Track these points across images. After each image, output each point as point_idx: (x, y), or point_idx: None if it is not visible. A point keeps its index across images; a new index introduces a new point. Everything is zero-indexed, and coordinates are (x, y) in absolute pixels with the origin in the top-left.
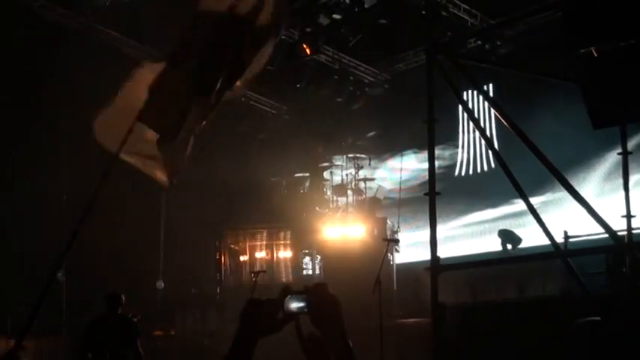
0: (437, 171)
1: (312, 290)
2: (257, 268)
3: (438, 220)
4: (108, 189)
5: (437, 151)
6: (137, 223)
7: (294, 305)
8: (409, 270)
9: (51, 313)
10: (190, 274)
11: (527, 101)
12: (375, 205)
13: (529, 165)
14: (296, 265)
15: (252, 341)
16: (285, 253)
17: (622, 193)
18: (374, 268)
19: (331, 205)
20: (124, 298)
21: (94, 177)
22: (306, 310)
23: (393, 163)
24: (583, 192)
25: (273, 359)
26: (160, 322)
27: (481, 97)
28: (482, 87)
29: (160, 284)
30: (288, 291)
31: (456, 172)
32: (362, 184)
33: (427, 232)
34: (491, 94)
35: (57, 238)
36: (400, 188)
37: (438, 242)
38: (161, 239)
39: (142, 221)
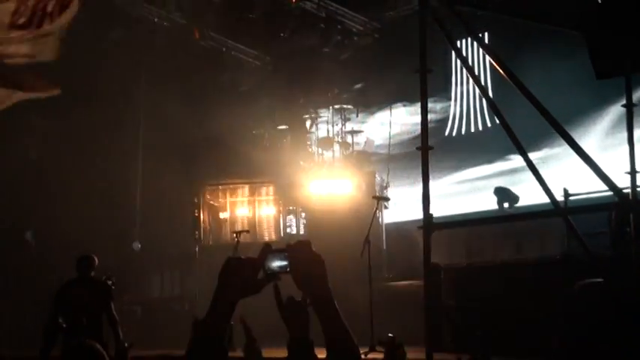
0: (429, 125)
1: (295, 248)
2: (238, 225)
3: (431, 176)
4: (81, 148)
5: (429, 105)
6: (112, 181)
7: (276, 264)
8: (399, 229)
9: (19, 277)
10: (168, 233)
11: (524, 51)
12: (363, 159)
13: (524, 120)
14: (279, 222)
15: (231, 303)
16: (267, 210)
17: (623, 148)
18: (362, 226)
19: (316, 159)
20: (96, 260)
21: None
22: (287, 269)
23: (382, 116)
24: (583, 147)
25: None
26: (136, 285)
27: (475, 49)
28: (478, 35)
29: (137, 245)
30: (268, 249)
31: (449, 127)
32: (349, 137)
33: (417, 189)
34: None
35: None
36: (390, 143)
37: (432, 200)
38: (137, 198)
39: (118, 180)
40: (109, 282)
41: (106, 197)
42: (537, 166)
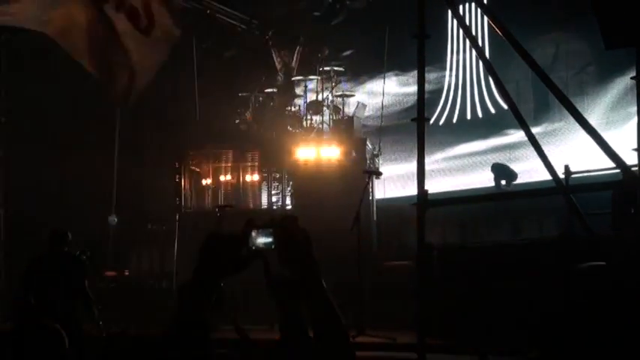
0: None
1: (280, 223)
2: (221, 192)
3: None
4: (56, 114)
5: None
6: (88, 150)
7: (260, 241)
8: (391, 206)
9: None
10: (148, 203)
11: (528, 19)
12: (354, 124)
13: (524, 92)
14: (265, 190)
15: (214, 281)
16: (252, 177)
17: (628, 124)
18: (351, 194)
19: (305, 124)
20: (70, 235)
21: None
22: (273, 246)
23: (372, 86)
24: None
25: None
26: (112, 261)
27: (474, 15)
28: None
29: (113, 220)
30: (253, 224)
31: (443, 98)
32: (339, 101)
33: (408, 165)
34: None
35: None
36: (382, 113)
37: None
38: (114, 168)
39: (94, 147)
40: (84, 257)
41: (81, 170)
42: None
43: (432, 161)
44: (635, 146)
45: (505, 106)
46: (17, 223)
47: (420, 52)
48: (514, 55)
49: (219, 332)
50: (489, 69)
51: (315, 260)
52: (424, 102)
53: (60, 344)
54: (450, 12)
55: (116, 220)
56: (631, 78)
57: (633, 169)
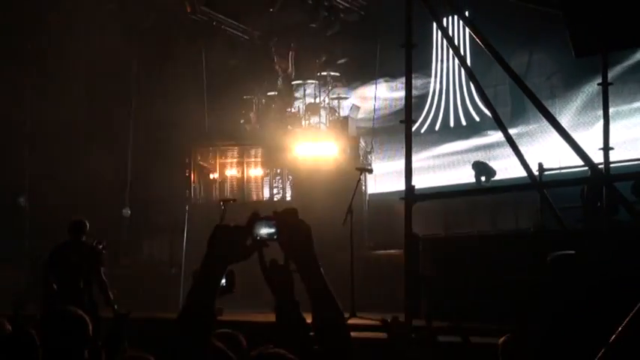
0: None
1: (282, 216)
2: (227, 185)
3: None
4: (74, 114)
5: None
6: (104, 148)
7: (264, 231)
8: (381, 200)
9: (13, 240)
10: (159, 195)
11: (504, 30)
12: (348, 124)
13: (501, 97)
14: (267, 184)
15: (220, 268)
16: (256, 172)
17: (595, 126)
18: (345, 189)
19: (303, 124)
20: (87, 224)
21: None
22: (275, 236)
23: (364, 91)
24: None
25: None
26: (126, 249)
27: (456, 26)
28: (463, 12)
29: (127, 212)
30: (256, 216)
31: (428, 102)
32: (335, 103)
33: (399, 162)
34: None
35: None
36: (374, 117)
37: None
38: (128, 162)
39: (109, 146)
40: (100, 246)
41: (97, 163)
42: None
43: (419, 159)
44: (602, 146)
45: (485, 110)
46: (38, 215)
47: (408, 60)
48: (493, 62)
49: (228, 315)
50: (470, 76)
51: (314, 249)
52: (411, 105)
53: (84, 330)
54: (434, 23)
55: (130, 212)
56: (598, 84)
57: (600, 166)
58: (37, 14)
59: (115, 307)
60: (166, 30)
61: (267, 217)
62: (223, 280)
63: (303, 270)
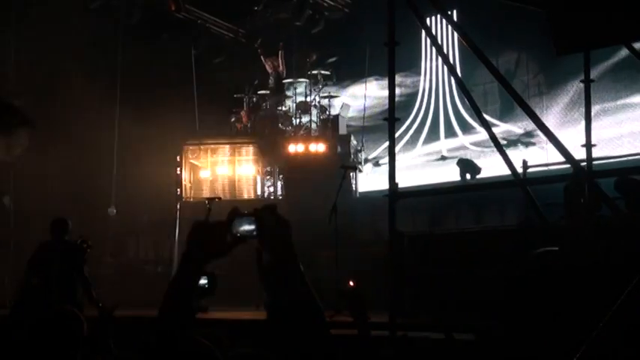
0: (399, 99)
1: (262, 212)
2: (218, 184)
3: (401, 148)
4: (57, 108)
5: (399, 79)
6: (89, 143)
7: (243, 228)
8: (366, 197)
9: None
10: (146, 194)
11: (490, 29)
12: (339, 123)
13: (491, 95)
14: (258, 182)
15: (199, 265)
16: (247, 170)
17: (583, 123)
18: (336, 187)
19: (294, 123)
20: (70, 223)
21: None
22: (255, 233)
23: (354, 90)
24: (545, 121)
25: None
26: (112, 248)
27: (445, 25)
28: (447, 12)
29: (112, 210)
30: (236, 213)
31: (418, 101)
32: (326, 101)
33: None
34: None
35: None
36: (364, 115)
37: (400, 171)
38: (114, 160)
39: (95, 144)
40: (85, 245)
41: (82, 162)
42: (499, 140)
43: (409, 157)
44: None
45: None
46: (20, 212)
47: (390, 59)
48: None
49: (209, 313)
50: (454, 75)
51: (294, 246)
52: (394, 103)
53: (79, 329)
54: (421, 21)
55: (115, 211)
56: (580, 81)
57: (583, 163)
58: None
59: (100, 305)
60: (153, 27)
61: (247, 213)
62: (205, 281)
63: (282, 267)
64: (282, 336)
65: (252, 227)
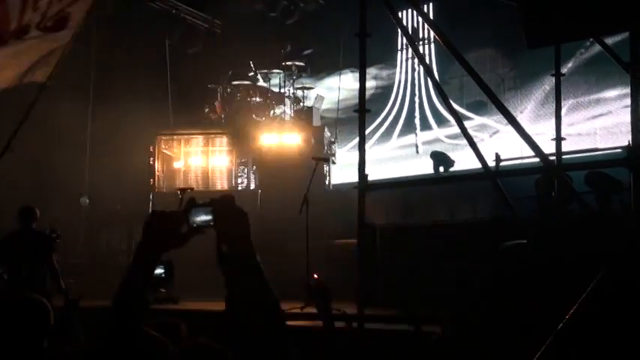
0: (374, 91)
1: (219, 202)
2: (192, 174)
3: (376, 141)
4: (28, 95)
5: (375, 71)
6: (62, 130)
7: (200, 218)
8: (338, 189)
9: None
10: (119, 184)
11: (465, 22)
12: (313, 114)
13: (467, 88)
14: (232, 173)
15: (155, 255)
16: (221, 161)
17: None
18: (309, 179)
19: (268, 114)
20: (38, 212)
21: None
22: (211, 223)
23: (330, 82)
24: (519, 116)
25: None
26: (84, 239)
27: (421, 18)
28: (421, 6)
29: (85, 200)
30: (193, 203)
31: (394, 93)
32: (300, 93)
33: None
34: (430, 14)
35: None
36: (338, 107)
37: (375, 163)
38: (86, 150)
39: (67, 129)
40: (54, 234)
41: (54, 150)
42: (474, 133)
43: (384, 149)
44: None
45: (451, 101)
46: None
47: (362, 49)
48: (462, 52)
49: (180, 304)
50: (428, 71)
51: (250, 237)
52: (365, 96)
53: (46, 317)
54: (394, 15)
55: (88, 200)
56: (551, 75)
57: (553, 157)
58: None
59: (69, 296)
60: (127, 17)
61: (204, 203)
62: (162, 271)
63: (237, 258)
64: (236, 327)
65: (208, 217)
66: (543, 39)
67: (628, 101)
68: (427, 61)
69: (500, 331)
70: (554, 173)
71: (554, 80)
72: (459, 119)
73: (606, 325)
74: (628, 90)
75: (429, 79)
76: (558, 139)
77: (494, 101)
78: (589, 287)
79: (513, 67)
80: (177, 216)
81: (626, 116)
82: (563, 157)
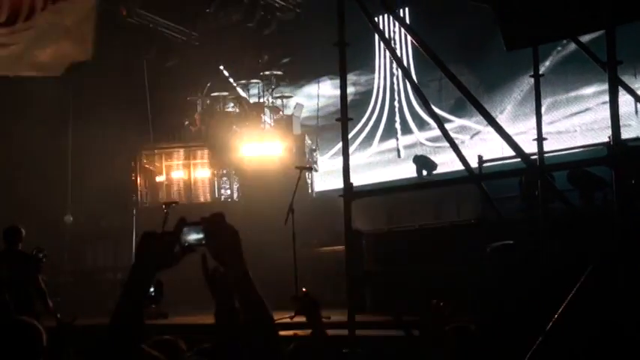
0: (354, 97)
1: (209, 221)
2: (174, 188)
3: (357, 147)
4: (8, 114)
5: (353, 77)
6: (43, 153)
7: (192, 237)
8: (327, 198)
9: None
10: (102, 200)
11: (442, 25)
12: (293, 123)
13: (446, 90)
14: (214, 185)
15: (149, 275)
16: (203, 173)
17: (534, 118)
18: (292, 188)
19: (249, 124)
20: (23, 232)
21: None
22: (203, 241)
23: (309, 89)
24: (499, 116)
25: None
26: (69, 257)
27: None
28: (397, 11)
29: (68, 218)
30: (184, 222)
31: (373, 99)
32: (279, 102)
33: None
34: (407, 18)
35: None
36: (318, 115)
37: (357, 169)
38: (68, 167)
39: (48, 151)
40: (40, 255)
41: (37, 169)
42: (455, 136)
43: (365, 155)
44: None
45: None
46: None
47: (341, 58)
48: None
49: (167, 320)
50: (407, 75)
51: (242, 253)
52: (347, 103)
53: (39, 340)
54: (371, 21)
55: (71, 219)
56: (530, 76)
57: (535, 157)
58: None
59: (58, 315)
60: (105, 32)
61: (195, 222)
62: (152, 289)
63: (230, 275)
64: (234, 344)
65: (200, 236)
66: (521, 41)
67: (606, 97)
68: (405, 64)
69: (494, 332)
70: (537, 174)
71: (530, 80)
72: (440, 122)
73: (594, 320)
74: (605, 87)
75: (407, 83)
76: (540, 139)
77: (473, 103)
78: (577, 284)
79: (493, 67)
80: (169, 236)
81: (604, 112)
82: (545, 155)
